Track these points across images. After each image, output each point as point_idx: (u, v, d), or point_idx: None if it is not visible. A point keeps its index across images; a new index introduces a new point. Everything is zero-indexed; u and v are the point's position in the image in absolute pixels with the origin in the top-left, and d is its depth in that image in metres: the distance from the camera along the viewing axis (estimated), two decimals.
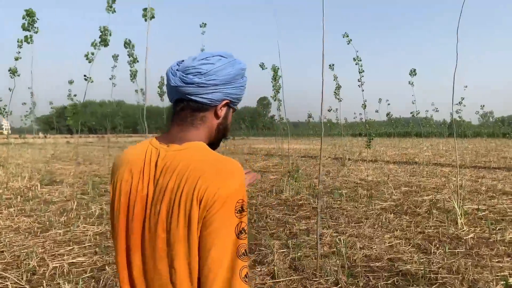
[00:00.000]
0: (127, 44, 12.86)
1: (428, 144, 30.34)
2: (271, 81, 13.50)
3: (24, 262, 4.33)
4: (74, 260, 4.43)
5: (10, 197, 8.20)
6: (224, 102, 1.11)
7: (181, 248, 0.93)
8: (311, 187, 9.47)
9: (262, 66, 13.38)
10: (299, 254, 4.57)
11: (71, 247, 4.88)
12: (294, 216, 6.51)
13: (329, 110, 22.34)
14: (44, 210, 7.01)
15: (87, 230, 5.65)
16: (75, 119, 8.40)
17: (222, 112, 1.12)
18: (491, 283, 3.68)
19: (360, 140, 39.46)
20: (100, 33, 8.56)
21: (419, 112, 13.98)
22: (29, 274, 4.04)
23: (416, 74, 14.23)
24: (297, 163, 15.74)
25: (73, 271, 4.12)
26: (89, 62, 8.78)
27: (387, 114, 26.18)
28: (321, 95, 4.03)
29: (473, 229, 5.58)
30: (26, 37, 9.90)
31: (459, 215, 5.83)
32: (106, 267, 4.21)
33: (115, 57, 15.47)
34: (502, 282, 3.49)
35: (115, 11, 8.54)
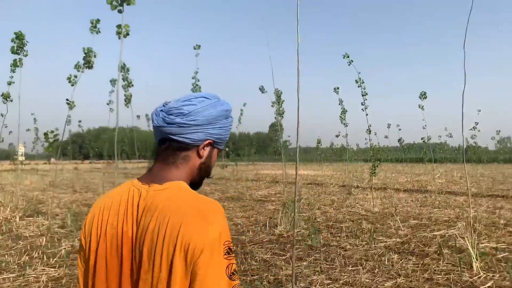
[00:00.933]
0: (122, 68, 12.50)
1: (442, 170, 29.20)
2: (272, 105, 12.91)
3: None
4: None
5: None
6: (207, 142, 1.12)
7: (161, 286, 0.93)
8: (311, 220, 8.66)
9: (261, 89, 12.81)
10: None
11: None
12: (284, 257, 5.70)
13: (336, 136, 21.52)
14: (9, 247, 6.34)
15: (43, 274, 4.93)
16: (53, 146, 7.82)
17: (204, 152, 1.14)
18: None
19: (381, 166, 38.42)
20: (84, 55, 8.07)
21: (430, 138, 13.14)
22: None
23: (426, 97, 13.52)
24: (300, 191, 14.92)
25: None
26: (72, 85, 8.27)
27: (399, 140, 25.23)
28: (297, 119, 3.34)
29: (491, 275, 4.71)
30: (15, 60, 9.51)
31: (473, 258, 4.98)
32: None
33: (113, 82, 15.10)
34: None
35: (99, 32, 8.06)
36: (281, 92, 17.23)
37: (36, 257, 5.73)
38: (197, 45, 10.46)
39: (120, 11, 5.48)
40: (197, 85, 9.94)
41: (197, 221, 0.94)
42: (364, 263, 5.26)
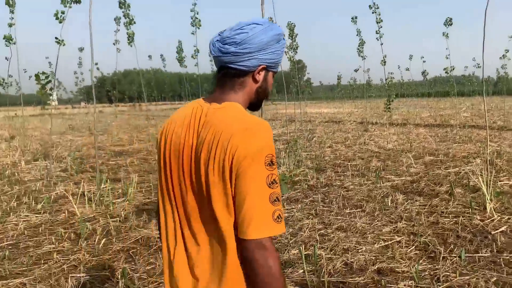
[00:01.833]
0: (122, 4, 11.74)
1: (469, 103, 27.78)
2: (289, 39, 12.06)
3: None
4: None
5: None
6: (261, 67, 1.18)
7: (215, 191, 1.06)
8: (319, 159, 8.22)
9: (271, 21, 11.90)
10: None
11: None
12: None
13: (355, 70, 20.39)
14: (3, 192, 6.24)
15: (23, 221, 4.76)
16: (44, 91, 7.45)
17: (260, 76, 1.21)
18: None
19: (397, 101, 37.05)
20: None
21: (453, 68, 12.07)
22: None
23: (451, 24, 12.27)
24: (315, 130, 14.39)
25: None
26: (60, 22, 7.69)
27: (422, 73, 23.77)
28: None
29: (507, 217, 4.21)
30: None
31: (487, 198, 4.46)
32: None
33: (118, 20, 14.39)
34: None
35: None
36: (294, 25, 16.16)
37: (25, 203, 5.58)
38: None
39: None
40: (196, 18, 9.19)
41: (244, 134, 1.05)
42: (365, 205, 4.83)
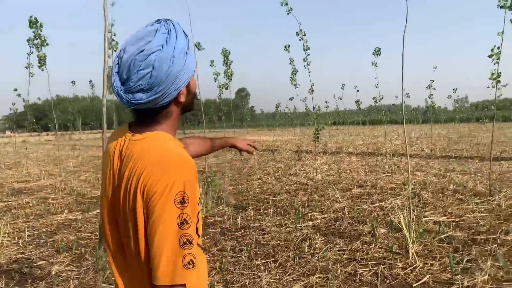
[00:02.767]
0: (33, 23, 10.67)
1: (401, 131, 28.89)
2: (211, 64, 11.54)
3: None
4: None
5: None
6: (181, 91, 1.09)
7: (131, 230, 1.01)
8: (244, 193, 7.58)
9: (197, 46, 11.32)
10: None
11: None
12: None
13: (290, 99, 20.38)
14: None
15: None
16: None
17: (183, 97, 1.12)
18: None
19: (335, 129, 37.86)
20: None
21: (382, 97, 12.18)
22: None
23: (380, 53, 12.45)
24: (248, 159, 13.85)
25: None
26: None
27: (356, 102, 24.40)
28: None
29: (430, 263, 3.77)
30: None
31: (409, 240, 4.01)
32: None
33: (31, 41, 13.13)
34: None
35: None
36: (229, 52, 15.76)
37: None
38: None
39: None
40: (113, 40, 8.41)
41: (155, 169, 0.98)
42: (279, 253, 4.21)
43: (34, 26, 10.26)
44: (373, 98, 11.93)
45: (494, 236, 4.44)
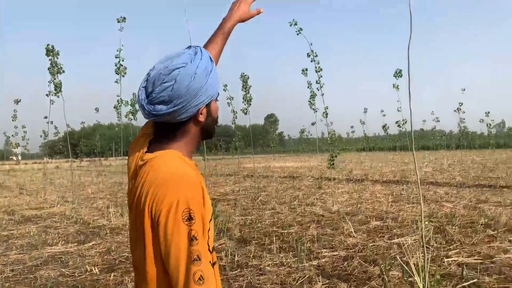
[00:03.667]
0: (50, 51, 10.82)
1: (433, 157, 27.64)
2: (224, 89, 11.31)
3: None
4: None
5: None
6: (201, 107, 1.13)
7: (141, 249, 1.05)
8: (253, 224, 7.08)
9: None
10: None
11: None
12: None
13: (312, 124, 19.88)
14: None
15: None
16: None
17: (202, 116, 1.15)
18: None
19: (364, 155, 36.78)
20: None
21: (405, 121, 11.53)
22: None
23: (401, 75, 11.88)
24: (268, 186, 13.34)
25: None
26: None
27: (383, 127, 23.57)
28: None
29: None
30: None
31: None
32: None
33: (51, 69, 13.39)
34: None
35: None
36: (248, 77, 15.55)
37: None
38: (121, 17, 8.71)
39: None
40: (121, 65, 8.30)
41: (159, 188, 1.01)
42: None
43: (51, 54, 10.40)
44: (396, 123, 11.29)
45: None
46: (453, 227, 6.13)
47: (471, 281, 3.85)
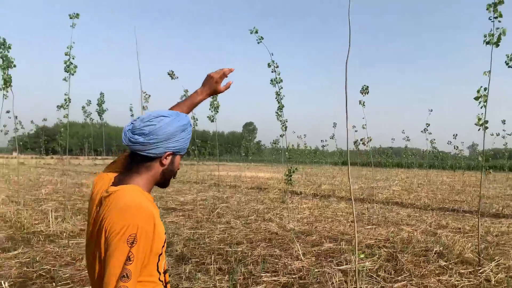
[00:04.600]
0: (1, 44, 10.18)
1: (405, 176, 27.75)
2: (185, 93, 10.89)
3: None
4: None
5: None
6: (167, 153, 1.37)
7: (96, 264, 1.26)
8: (199, 240, 6.64)
9: (171, 75, 10.68)
10: None
11: None
12: None
13: (281, 136, 19.53)
14: None
15: None
16: None
17: (167, 161, 1.38)
18: None
19: (338, 169, 36.75)
20: None
21: (370, 139, 11.34)
22: None
23: (368, 92, 11.72)
24: (232, 197, 12.91)
25: None
26: None
27: (354, 142, 23.46)
28: None
29: None
30: None
31: None
32: None
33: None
34: None
35: None
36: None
37: None
38: (74, 13, 8.19)
39: None
40: (71, 63, 7.76)
41: (117, 214, 1.22)
42: None
43: (2, 47, 9.77)
44: (361, 140, 11.10)
45: None
46: (406, 255, 5.84)
47: None
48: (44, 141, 41.31)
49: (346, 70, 3.17)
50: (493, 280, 4.77)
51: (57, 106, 9.22)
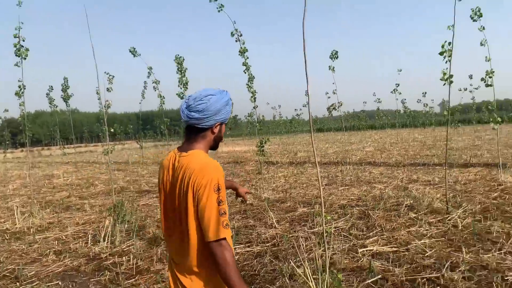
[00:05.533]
0: None
1: (378, 137, 28.21)
2: (149, 73, 10.58)
3: None
4: None
5: None
6: (216, 124, 1.74)
7: (184, 212, 1.60)
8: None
9: (133, 52, 10.32)
10: None
11: None
12: None
13: (254, 108, 19.38)
14: None
15: None
16: None
17: (216, 129, 1.75)
18: None
19: (319, 135, 37.00)
20: None
21: (341, 104, 11.39)
22: None
23: (337, 57, 11.68)
24: None
25: None
26: None
27: (328, 109, 23.60)
28: None
29: None
30: None
31: None
32: None
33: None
34: None
35: None
36: (183, 59, 14.78)
37: None
38: None
39: None
40: (21, 46, 7.35)
41: (199, 172, 1.56)
42: None
43: None
44: (332, 105, 11.10)
45: (437, 274, 3.51)
46: (378, 211, 5.94)
47: (378, 277, 3.57)
48: (9, 133, 39.41)
49: (303, 31, 3.04)
50: (460, 225, 4.89)
51: (16, 94, 8.77)
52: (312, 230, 5.29)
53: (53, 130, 41.96)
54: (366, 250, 4.32)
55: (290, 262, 4.01)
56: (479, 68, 7.41)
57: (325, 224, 3.30)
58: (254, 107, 9.71)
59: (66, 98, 19.22)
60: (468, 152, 13.15)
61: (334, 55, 11.56)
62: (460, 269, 3.59)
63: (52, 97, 21.59)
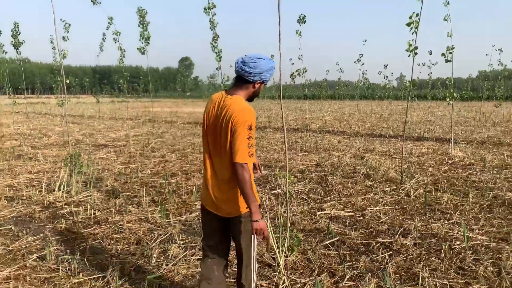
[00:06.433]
0: None
1: (337, 107, 28.74)
2: (139, 27, 10.09)
3: None
4: None
5: None
6: (259, 81, 2.13)
7: (225, 139, 2.02)
8: (132, 175, 6.42)
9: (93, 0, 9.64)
10: None
11: None
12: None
13: (217, 69, 19.03)
14: None
15: None
16: None
17: (257, 85, 2.15)
18: None
19: (275, 103, 37.03)
20: None
21: (306, 70, 11.38)
22: None
23: (305, 21, 11.52)
24: (167, 132, 12.58)
25: None
26: None
27: (291, 75, 23.59)
28: None
29: (303, 282, 2.90)
30: None
31: (279, 250, 3.11)
32: None
33: None
34: None
35: None
36: (146, 12, 14.08)
37: None
38: None
39: None
40: None
41: (239, 112, 1.98)
42: (117, 264, 3.16)
43: None
44: (297, 71, 11.07)
45: (391, 240, 3.69)
46: (336, 177, 6.10)
47: (335, 239, 3.70)
48: None
49: None
50: (412, 195, 5.14)
51: None
52: (272, 192, 5.37)
53: (1, 78, 39.16)
54: (324, 213, 4.45)
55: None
56: (440, 46, 7.56)
57: (288, 185, 3.33)
58: (217, 68, 9.48)
59: (16, 45, 17.93)
60: (422, 126, 13.71)
61: (301, 20, 11.39)
62: (411, 236, 3.79)
63: (2, 42, 19.99)
